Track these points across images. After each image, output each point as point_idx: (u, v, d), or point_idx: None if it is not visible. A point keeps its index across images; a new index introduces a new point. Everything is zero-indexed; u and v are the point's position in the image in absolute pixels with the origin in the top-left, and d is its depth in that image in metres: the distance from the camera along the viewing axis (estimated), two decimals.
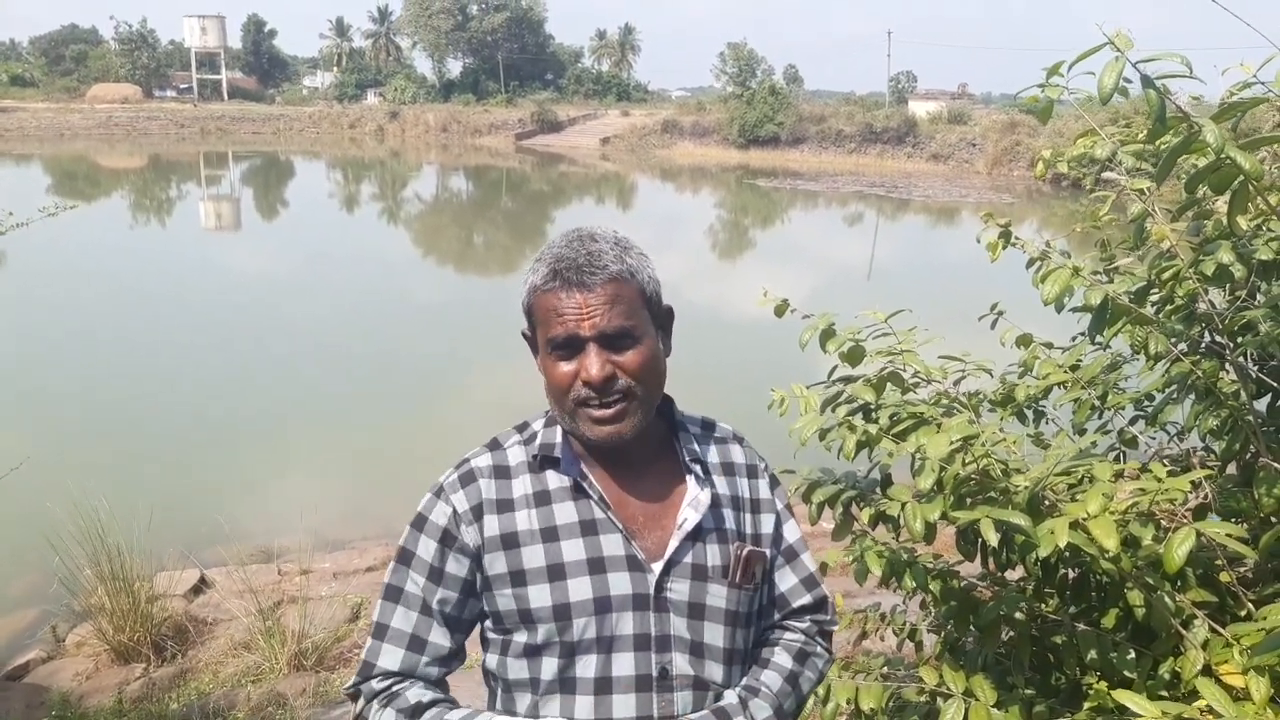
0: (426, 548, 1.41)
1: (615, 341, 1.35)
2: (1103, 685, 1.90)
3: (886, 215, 31.48)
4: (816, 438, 2.22)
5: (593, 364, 1.33)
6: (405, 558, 1.43)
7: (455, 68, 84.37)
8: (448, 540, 1.40)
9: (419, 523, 1.43)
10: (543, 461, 1.43)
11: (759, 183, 39.11)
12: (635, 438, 1.39)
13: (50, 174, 38.38)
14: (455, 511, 1.40)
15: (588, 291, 1.33)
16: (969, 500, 1.91)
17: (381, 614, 1.43)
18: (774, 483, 1.60)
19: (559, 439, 1.44)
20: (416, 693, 1.39)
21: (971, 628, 2.17)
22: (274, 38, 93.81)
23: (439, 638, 1.42)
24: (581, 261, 1.34)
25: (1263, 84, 1.59)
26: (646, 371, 1.38)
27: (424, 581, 1.41)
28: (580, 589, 1.36)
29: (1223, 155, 1.39)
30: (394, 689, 1.40)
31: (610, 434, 1.37)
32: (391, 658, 1.41)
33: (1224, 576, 1.91)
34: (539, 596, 1.36)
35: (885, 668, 2.38)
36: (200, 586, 5.98)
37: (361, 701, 1.42)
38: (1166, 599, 1.82)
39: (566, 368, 1.36)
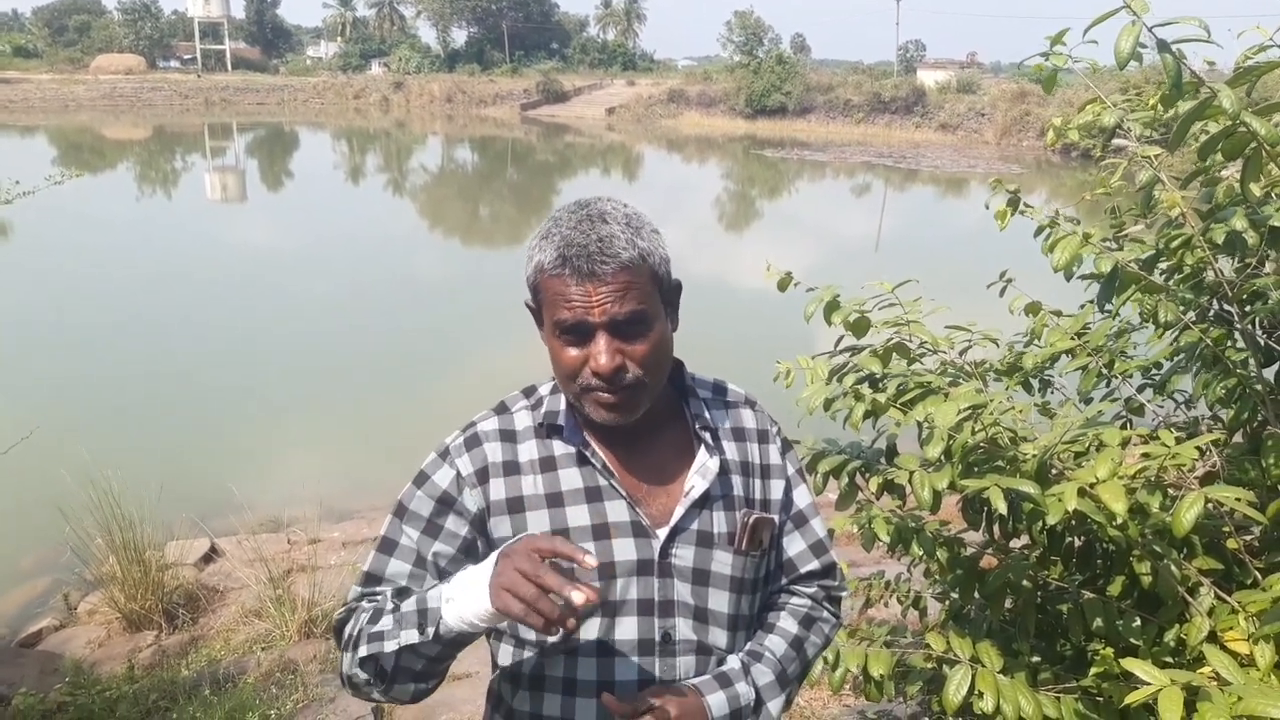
0: (422, 504, 1.41)
1: (626, 328, 1.30)
2: (1109, 652, 1.92)
3: (894, 186, 31.27)
4: (821, 409, 2.22)
5: (602, 354, 1.29)
6: (400, 511, 1.42)
7: (460, 37, 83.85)
8: (446, 500, 1.40)
9: (419, 479, 1.43)
10: (548, 429, 1.43)
11: (766, 153, 38.86)
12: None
13: (55, 145, 38.28)
14: (459, 474, 1.40)
15: (599, 281, 1.27)
16: (977, 469, 1.91)
17: (375, 564, 1.42)
18: (785, 447, 1.59)
19: (563, 407, 1.43)
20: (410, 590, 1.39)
21: (977, 595, 2.19)
22: (277, 7, 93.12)
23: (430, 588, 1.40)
24: (593, 249, 1.27)
25: (1279, 47, 1.57)
26: (655, 360, 1.35)
27: (418, 535, 1.40)
28: None
29: (1238, 121, 1.38)
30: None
31: (616, 419, 1.36)
32: (384, 597, 1.40)
33: (1231, 543, 1.91)
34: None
35: (890, 635, 2.39)
36: (211, 555, 6.03)
37: (350, 622, 1.38)
38: (1173, 566, 1.82)
39: (574, 352, 1.32)
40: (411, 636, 1.26)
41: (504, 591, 1.15)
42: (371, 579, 1.42)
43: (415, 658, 1.29)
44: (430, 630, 1.24)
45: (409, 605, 1.29)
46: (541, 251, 1.32)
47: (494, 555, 1.23)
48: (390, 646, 1.28)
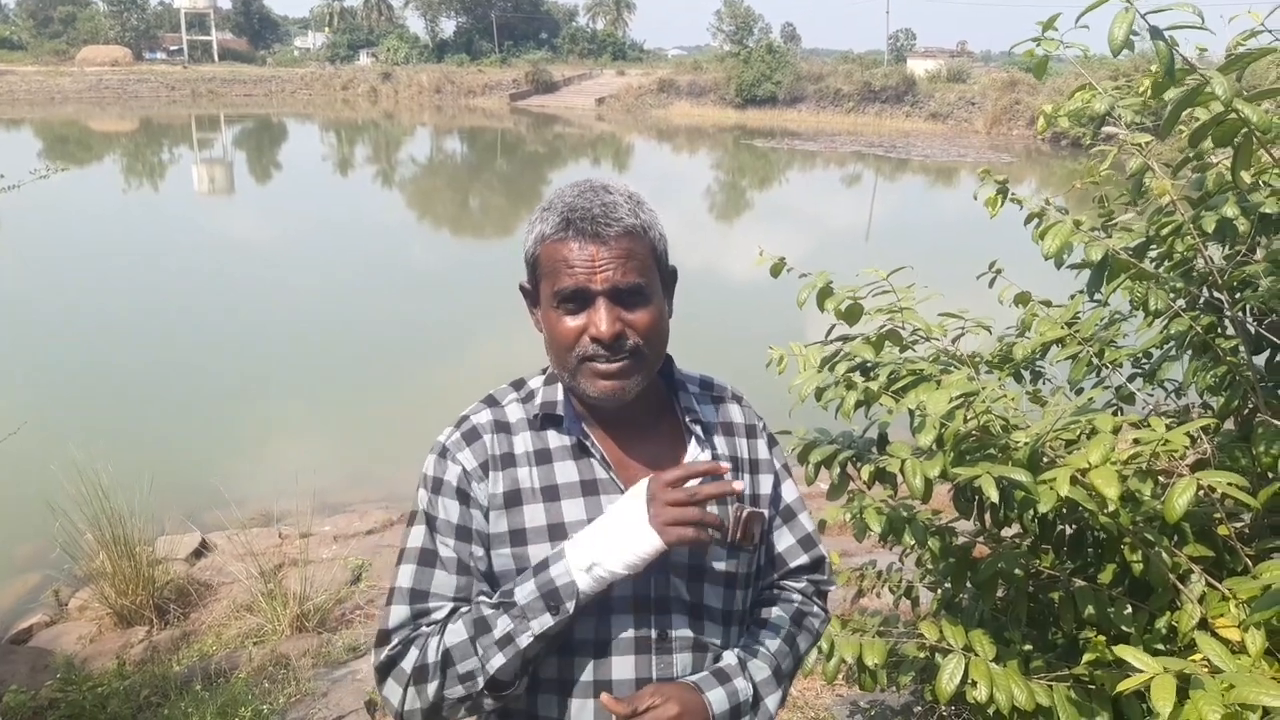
0: (450, 509, 1.36)
1: (626, 298, 1.30)
2: (1100, 640, 1.92)
3: (885, 175, 31.28)
4: (813, 399, 2.22)
5: (603, 319, 1.28)
6: (431, 522, 1.37)
7: (448, 27, 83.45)
8: (464, 498, 1.36)
9: (435, 486, 1.38)
10: (544, 420, 1.40)
11: (756, 143, 38.82)
12: (636, 398, 1.37)
13: (41, 138, 38.00)
14: (465, 470, 1.37)
15: (601, 244, 1.28)
16: (969, 457, 1.91)
17: (418, 580, 1.34)
18: (771, 442, 1.58)
19: (561, 397, 1.41)
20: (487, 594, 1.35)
21: (969, 584, 2.19)
22: None
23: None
24: (596, 212, 1.29)
25: (1270, 33, 1.56)
26: (654, 332, 1.34)
27: (455, 542, 1.35)
28: None
29: (1230, 108, 1.37)
30: (460, 611, 1.33)
31: (613, 389, 1.33)
32: (442, 613, 1.33)
33: (1222, 530, 1.91)
34: (539, 556, 1.33)
35: (882, 625, 2.39)
36: (201, 550, 6.02)
37: (413, 654, 1.30)
38: (1164, 554, 1.82)
39: (573, 322, 1.31)
40: (545, 622, 1.26)
41: (671, 527, 1.22)
42: (419, 596, 1.34)
43: (540, 646, 1.28)
44: (570, 605, 1.26)
45: (526, 594, 1.26)
46: (544, 221, 1.32)
47: (617, 510, 1.28)
48: (525, 641, 1.26)
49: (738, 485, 1.24)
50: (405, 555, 1.37)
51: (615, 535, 1.25)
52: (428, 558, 1.35)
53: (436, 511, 1.37)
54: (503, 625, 1.26)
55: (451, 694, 1.28)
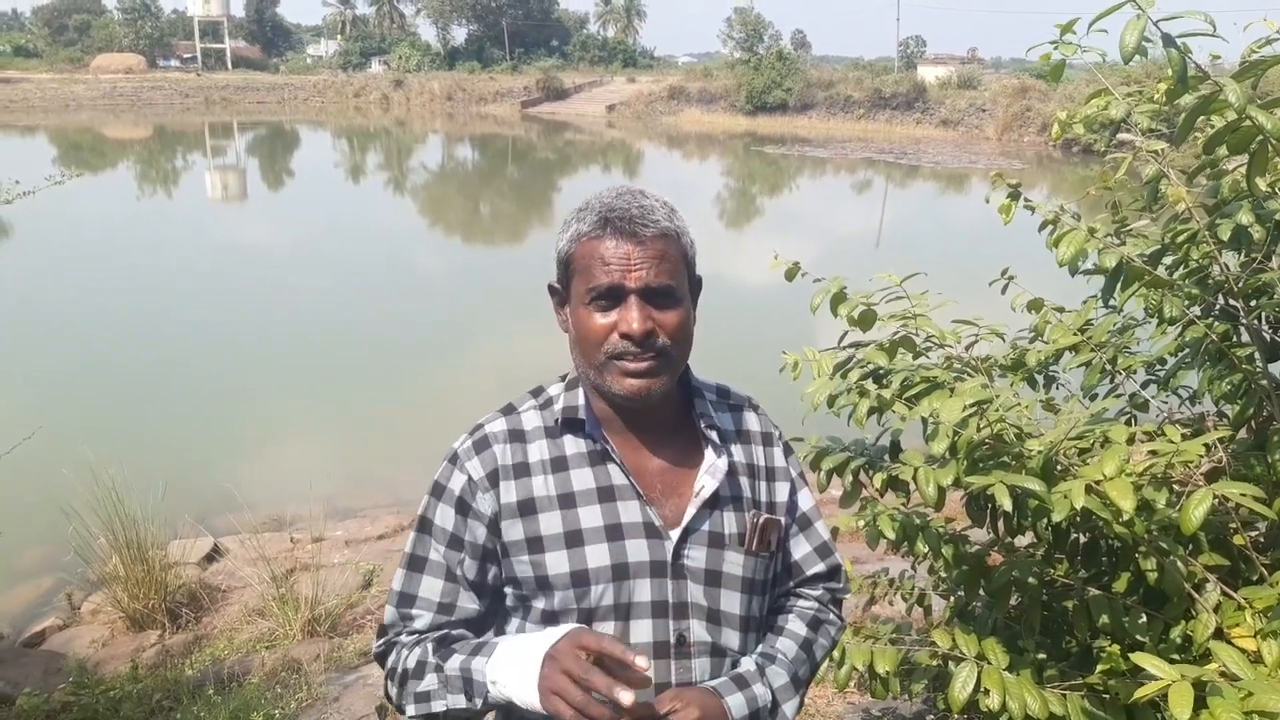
0: (445, 516, 1.41)
1: (657, 298, 1.33)
2: (1115, 649, 1.91)
3: (895, 182, 31.22)
4: (825, 406, 2.22)
5: (634, 317, 1.31)
6: (426, 526, 1.43)
7: (460, 35, 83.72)
8: (463, 508, 1.40)
9: (437, 491, 1.42)
10: (564, 425, 1.42)
11: (766, 150, 38.81)
12: (657, 402, 1.39)
13: (56, 145, 38.27)
14: (470, 479, 1.39)
15: (637, 243, 1.31)
16: (982, 465, 1.91)
17: (406, 584, 1.43)
18: (788, 450, 1.59)
19: (582, 401, 1.42)
20: (449, 636, 1.43)
21: (982, 593, 2.18)
22: (277, 5, 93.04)
23: (467, 602, 1.42)
24: (634, 213, 1.32)
25: None
26: (682, 334, 1.36)
27: (445, 549, 1.41)
28: (598, 556, 1.36)
29: (1244, 115, 1.37)
30: (426, 637, 1.41)
31: (640, 388, 1.34)
32: (422, 621, 1.42)
33: (1237, 539, 1.90)
34: (556, 563, 1.36)
35: (894, 633, 2.39)
36: (213, 554, 6.03)
37: (392, 656, 1.41)
38: (1179, 563, 1.82)
39: (604, 320, 1.33)
40: (458, 702, 1.31)
41: (553, 695, 1.18)
42: (405, 599, 1.43)
43: (463, 713, 1.34)
44: (478, 701, 1.30)
45: (453, 668, 1.33)
46: (580, 221, 1.36)
47: (540, 641, 1.26)
48: (439, 708, 1.33)
49: (625, 699, 1.12)
50: (401, 558, 1.46)
51: (519, 669, 1.25)
52: (417, 563, 1.43)
53: (433, 516, 1.43)
54: (427, 683, 1.35)
55: (421, 708, 1.37)
